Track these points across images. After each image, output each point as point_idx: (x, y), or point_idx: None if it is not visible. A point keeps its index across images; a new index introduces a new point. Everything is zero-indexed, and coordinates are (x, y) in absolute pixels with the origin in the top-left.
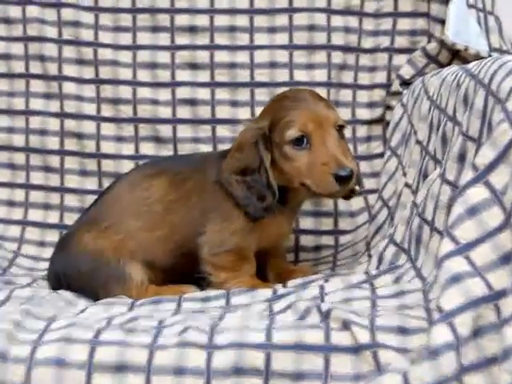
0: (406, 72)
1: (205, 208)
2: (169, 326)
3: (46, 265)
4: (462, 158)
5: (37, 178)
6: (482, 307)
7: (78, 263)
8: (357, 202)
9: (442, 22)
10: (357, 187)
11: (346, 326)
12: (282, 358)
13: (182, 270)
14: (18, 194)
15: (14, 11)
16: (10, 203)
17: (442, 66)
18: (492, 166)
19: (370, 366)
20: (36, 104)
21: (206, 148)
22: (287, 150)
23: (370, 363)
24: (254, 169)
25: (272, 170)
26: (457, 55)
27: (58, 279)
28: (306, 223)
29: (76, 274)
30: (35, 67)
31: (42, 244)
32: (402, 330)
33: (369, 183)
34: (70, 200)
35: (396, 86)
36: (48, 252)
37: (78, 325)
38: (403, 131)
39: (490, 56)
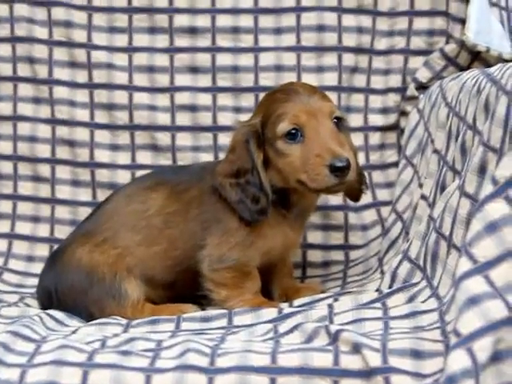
0: (423, 75)
1: (204, 220)
2: (167, 348)
3: (34, 281)
4: (482, 169)
5: (25, 188)
6: (502, 330)
7: (70, 278)
8: (369, 215)
9: (462, 21)
10: (363, 186)
11: (356, 348)
12: (287, 383)
13: (182, 287)
14: (5, 206)
15: (1, 10)
16: None
17: (461, 68)
18: None
19: None
20: (25, 109)
21: (206, 157)
22: (280, 145)
23: None
24: (246, 170)
25: (268, 169)
26: (477, 57)
27: (49, 296)
28: (315, 237)
29: (68, 290)
30: (24, 70)
31: (30, 259)
32: (417, 354)
33: (382, 194)
34: (61, 212)
35: (412, 91)
36: (37, 267)
37: (70, 347)
38: (419, 139)
39: None
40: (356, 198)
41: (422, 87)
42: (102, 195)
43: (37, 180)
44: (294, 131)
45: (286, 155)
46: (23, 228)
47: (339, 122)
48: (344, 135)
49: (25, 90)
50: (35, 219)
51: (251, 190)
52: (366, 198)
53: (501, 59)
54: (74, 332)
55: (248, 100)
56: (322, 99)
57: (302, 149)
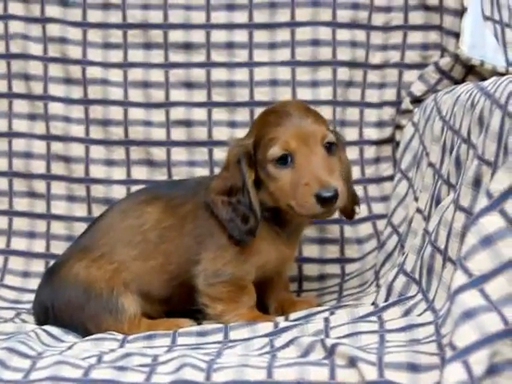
0: (418, 89)
1: (199, 235)
2: (163, 363)
3: (30, 297)
4: (477, 183)
5: (21, 204)
6: (498, 343)
7: (67, 294)
8: (364, 228)
9: (456, 35)
10: (356, 206)
11: (352, 362)
12: None
13: (179, 302)
14: (1, 222)
15: None
16: None
17: (455, 82)
18: (508, 193)
19: None
20: (20, 125)
21: (202, 172)
22: (270, 169)
23: None
24: (238, 189)
25: (260, 190)
26: (472, 71)
27: (45, 311)
28: (310, 251)
29: (65, 305)
30: (19, 86)
31: (26, 274)
32: (412, 367)
33: (378, 208)
34: (57, 228)
35: (406, 104)
36: (33, 283)
37: (66, 363)
38: (414, 152)
39: (507, 72)
40: (349, 217)
41: (417, 101)
42: (97, 210)
43: (32, 196)
44: (284, 157)
45: (277, 179)
46: (19, 244)
47: (331, 147)
48: (336, 159)
49: (20, 106)
50: (31, 235)
51: (241, 210)
52: (361, 212)
53: (495, 72)
54: (69, 348)
55: (243, 115)
56: (315, 123)
57: (292, 175)
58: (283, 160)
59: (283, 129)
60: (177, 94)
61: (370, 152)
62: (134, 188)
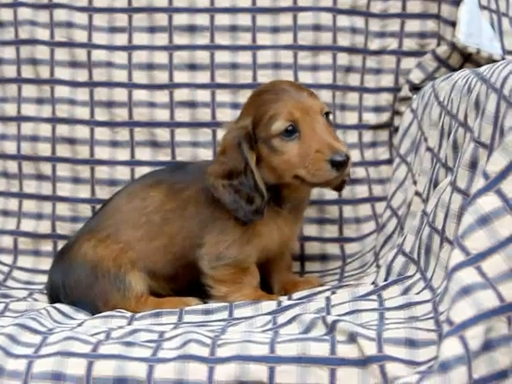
0: (416, 76)
1: (202, 219)
2: (169, 339)
3: (42, 277)
4: (473, 165)
5: (29, 186)
6: (493, 319)
7: (77, 272)
8: (363, 209)
9: (453, 23)
10: (346, 178)
11: (352, 338)
12: (285, 372)
13: (185, 280)
14: (12, 204)
15: (6, 14)
16: (5, 213)
17: (453, 69)
18: (504, 174)
19: (377, 379)
20: (28, 109)
21: (205, 152)
22: (276, 144)
23: (377, 376)
24: (239, 171)
25: (260, 168)
26: (469, 59)
27: (57, 289)
28: (310, 230)
29: (75, 283)
30: (27, 71)
31: (37, 253)
32: (411, 343)
33: (376, 190)
34: (62, 209)
35: (405, 91)
36: (44, 263)
37: (76, 338)
38: (413, 138)
39: (503, 59)
40: (339, 189)
41: (415, 88)
42: (101, 192)
43: (39, 178)
44: (290, 128)
45: (283, 152)
46: (28, 225)
47: (328, 117)
48: (333, 129)
49: (28, 90)
50: (38, 216)
51: (245, 191)
52: (361, 193)
53: (491, 60)
54: (79, 325)
55: (246, 96)
56: (311, 96)
57: (300, 145)
58: (289, 132)
59: (284, 103)
60: (181, 76)
61: (367, 136)
62: (138, 169)
